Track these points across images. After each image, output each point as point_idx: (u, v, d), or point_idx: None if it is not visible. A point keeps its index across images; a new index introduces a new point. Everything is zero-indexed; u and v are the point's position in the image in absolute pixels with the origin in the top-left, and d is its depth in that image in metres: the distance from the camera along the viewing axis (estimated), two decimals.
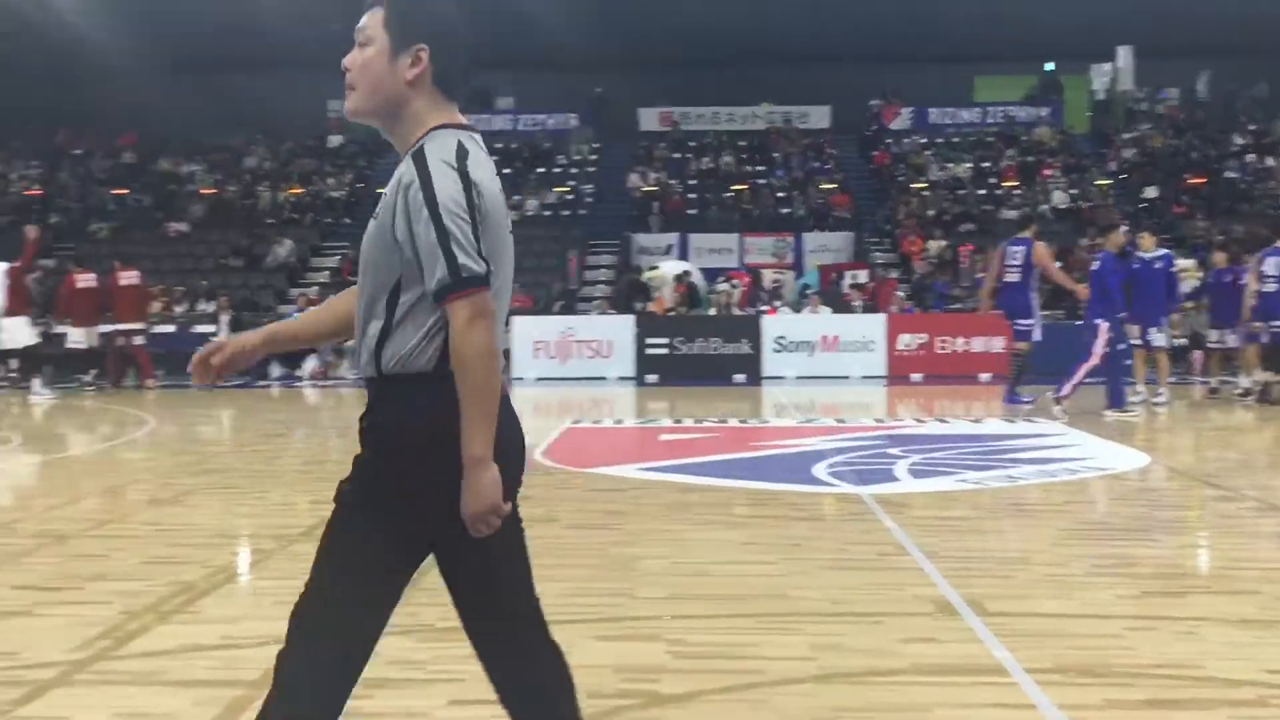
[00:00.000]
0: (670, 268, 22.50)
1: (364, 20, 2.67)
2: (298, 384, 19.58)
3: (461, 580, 2.71)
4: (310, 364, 20.03)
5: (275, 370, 20.27)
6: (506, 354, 21.38)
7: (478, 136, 2.71)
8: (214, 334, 20.94)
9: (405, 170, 2.57)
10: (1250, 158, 28.98)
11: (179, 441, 12.32)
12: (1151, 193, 27.80)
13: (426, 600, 5.30)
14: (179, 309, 22.50)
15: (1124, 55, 30.64)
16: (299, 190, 29.25)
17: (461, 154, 2.56)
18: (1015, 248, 14.17)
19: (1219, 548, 6.84)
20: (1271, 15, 29.19)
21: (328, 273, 26.31)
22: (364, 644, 2.64)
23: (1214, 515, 7.73)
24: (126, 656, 4.61)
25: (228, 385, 19.10)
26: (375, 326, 2.58)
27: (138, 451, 10.81)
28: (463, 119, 2.72)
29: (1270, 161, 28.75)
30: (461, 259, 2.45)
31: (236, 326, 20.98)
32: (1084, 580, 5.76)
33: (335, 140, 32.56)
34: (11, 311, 16.95)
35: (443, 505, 2.51)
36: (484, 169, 2.61)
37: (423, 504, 2.55)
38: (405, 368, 2.56)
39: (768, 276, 23.53)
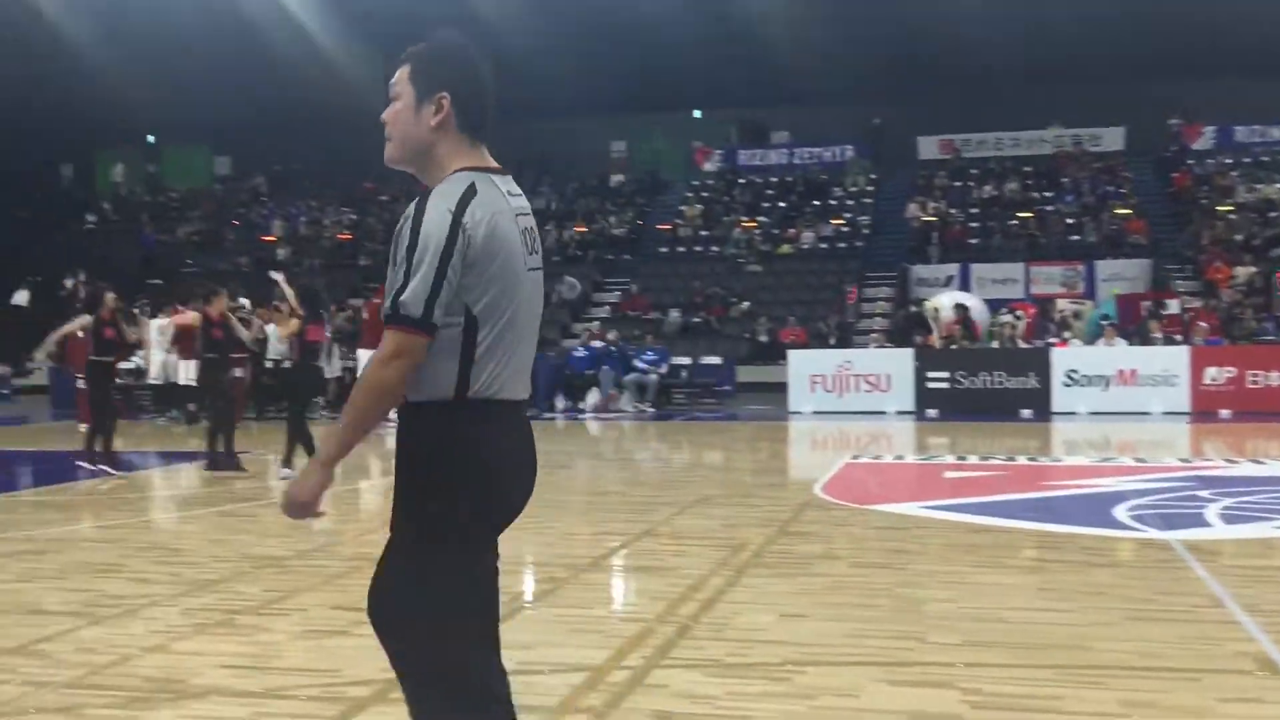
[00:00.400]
0: (947, 299, 21.91)
1: (395, 76, 2.83)
2: (581, 416, 20.21)
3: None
4: (593, 397, 20.65)
5: (560, 402, 21.01)
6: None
7: (498, 178, 2.79)
8: None
9: (412, 206, 2.69)
10: None
11: None
12: None
13: (709, 635, 5.35)
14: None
15: None
16: (583, 228, 30.33)
17: (466, 198, 2.66)
18: None
19: None
20: None
21: (608, 308, 27.12)
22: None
23: None
24: None
25: None
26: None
27: None
28: (489, 161, 2.83)
29: None
30: (407, 296, 2.58)
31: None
32: None
33: (617, 179, 33.60)
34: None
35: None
36: (491, 209, 2.69)
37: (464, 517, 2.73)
38: (429, 395, 2.69)
39: (1064, 307, 22.50)
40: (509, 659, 5.07)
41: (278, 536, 8.74)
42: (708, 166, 33.29)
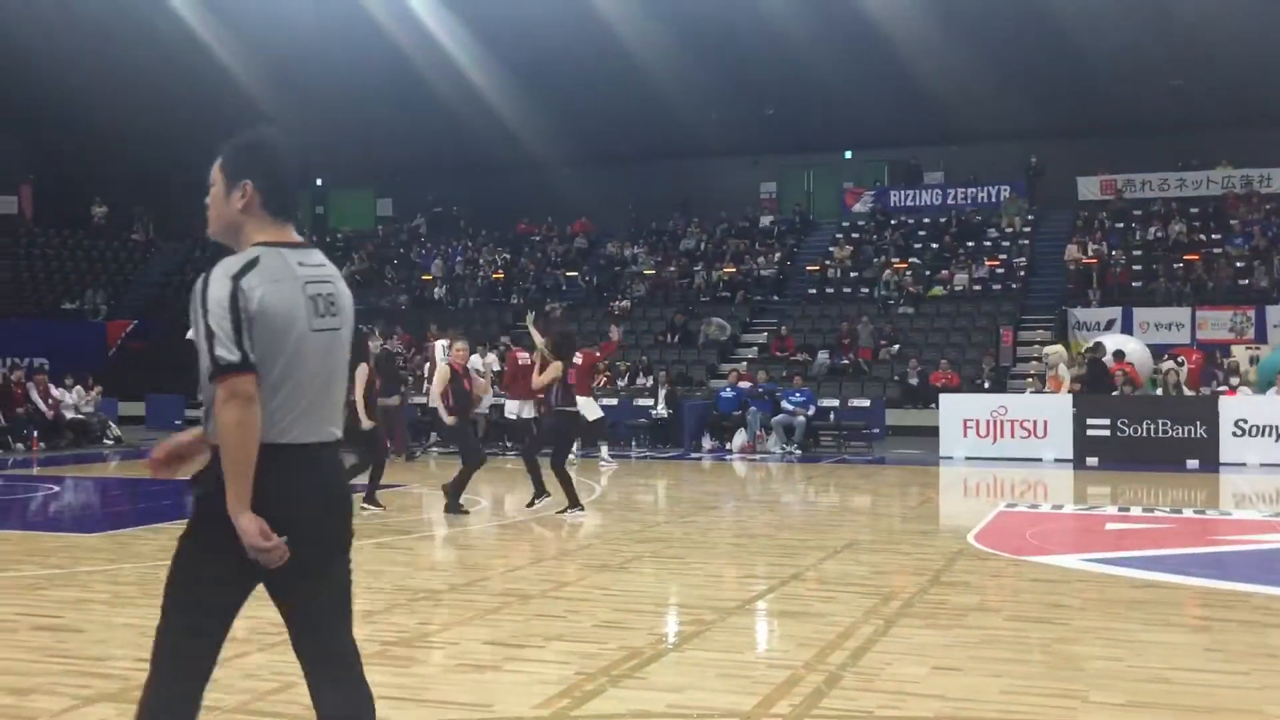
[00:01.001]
0: (1110, 342, 21.20)
1: (213, 168, 3.25)
2: (728, 457, 20.17)
3: (285, 612, 3.19)
4: (740, 438, 20.60)
5: (707, 443, 21.01)
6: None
7: (293, 251, 3.17)
8: (652, 406, 22.08)
9: (201, 277, 3.07)
10: None
11: (623, 509, 13.04)
12: None
13: (859, 685, 5.26)
14: (621, 383, 23.94)
15: None
16: (731, 269, 30.40)
17: (246, 268, 3.05)
18: None
19: None
20: None
21: (756, 349, 27.06)
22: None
23: None
24: (582, 717, 4.91)
25: (660, 456, 20.03)
26: (205, 404, 3.09)
27: (590, 517, 11.55)
28: (291, 236, 3.22)
29: None
30: (219, 351, 2.99)
31: (672, 400, 22.04)
32: None
33: (766, 220, 33.61)
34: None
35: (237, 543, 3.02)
36: (270, 277, 3.06)
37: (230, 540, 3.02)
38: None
39: (1241, 354, 21.55)
40: (659, 701, 5.12)
41: (430, 570, 8.96)
42: (858, 208, 33.02)
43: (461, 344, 12.90)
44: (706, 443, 21.01)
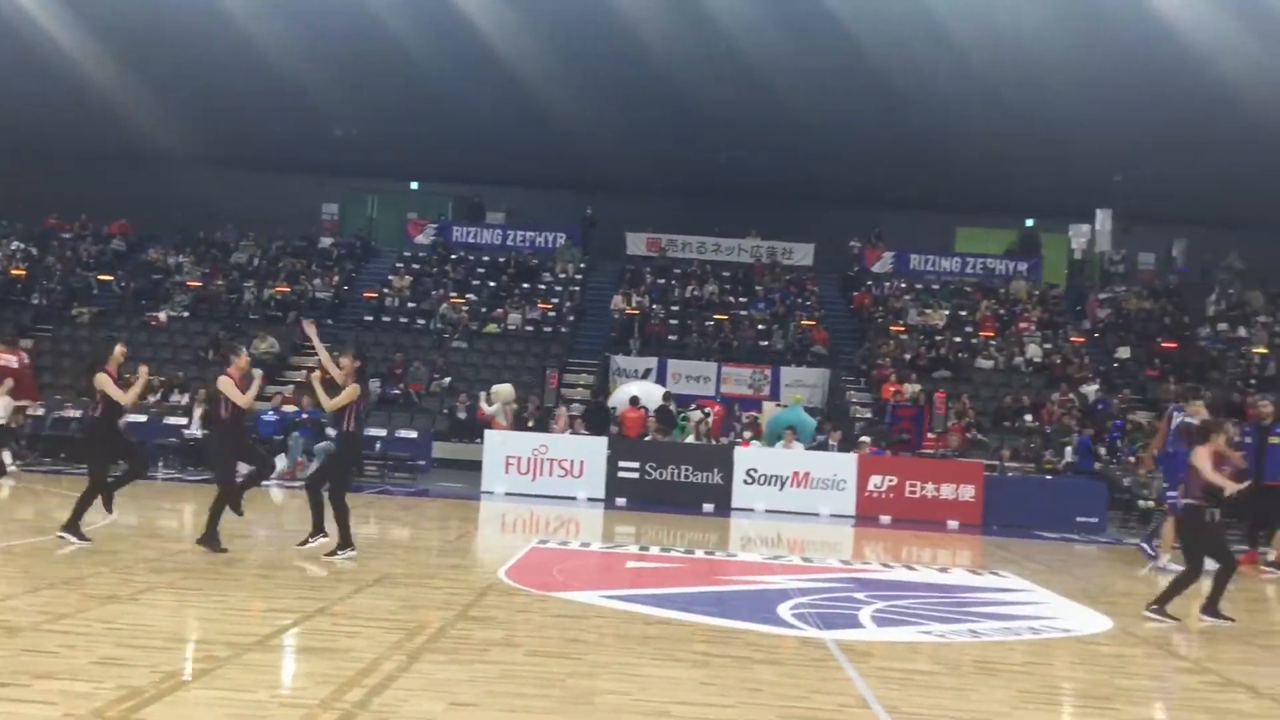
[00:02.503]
0: (633, 389, 22.76)
1: None
2: (265, 484, 19.35)
3: None
4: (280, 464, 19.85)
5: (243, 468, 20.05)
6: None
7: None
8: (185, 426, 20.81)
9: None
10: (1222, 326, 29.56)
11: (140, 535, 12.15)
12: (1124, 353, 28.26)
13: None
14: (152, 399, 22.38)
15: (1102, 218, 31.41)
16: (285, 289, 29.39)
17: None
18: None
19: None
20: (1247, 188, 30.13)
21: (304, 372, 26.27)
22: None
23: (1175, 688, 7.71)
24: None
25: (195, 480, 18.92)
26: None
27: (100, 541, 10.64)
28: None
29: (1242, 331, 29.31)
30: None
31: (207, 421, 20.88)
32: None
33: (326, 241, 32.88)
34: None
35: None
36: None
37: None
38: None
39: (768, 409, 23.61)
40: None
41: None
42: (420, 239, 33.12)
43: None
44: (243, 468, 20.02)
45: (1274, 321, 29.66)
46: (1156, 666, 8.37)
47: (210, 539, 10.70)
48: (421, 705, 5.68)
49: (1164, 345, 28.49)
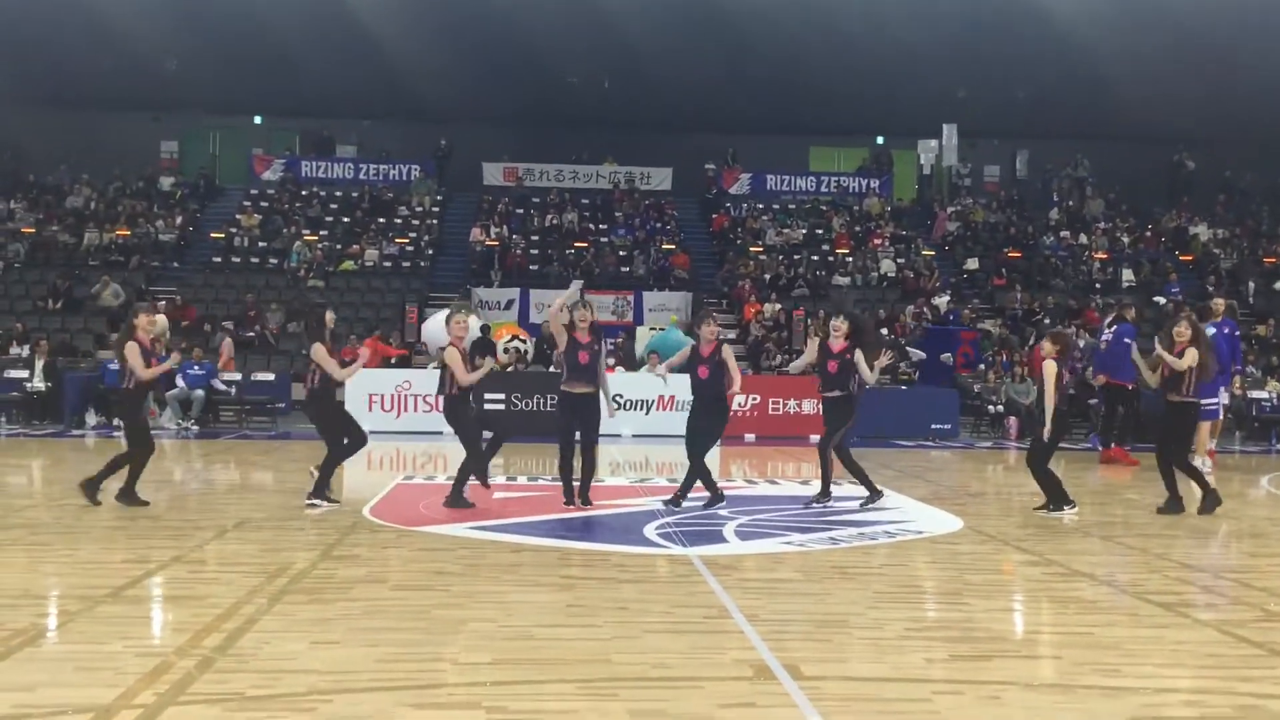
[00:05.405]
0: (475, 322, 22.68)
1: None
2: (116, 434, 18.74)
3: None
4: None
5: (91, 419, 19.41)
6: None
7: None
8: (27, 379, 19.97)
9: None
10: (1064, 234, 30.68)
11: None
12: (973, 264, 29.13)
13: (233, 667, 5.12)
14: None
15: (949, 133, 32.15)
16: (125, 232, 28.23)
17: None
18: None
19: (1024, 612, 7.16)
20: (1084, 101, 31.19)
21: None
22: None
23: (1021, 580, 8.08)
24: None
25: (40, 434, 18.22)
26: None
27: None
28: None
29: (1083, 239, 30.46)
30: None
31: (51, 372, 20.09)
32: (897, 644, 5.95)
33: (167, 182, 31.63)
34: None
35: None
36: None
37: None
38: None
39: (642, 335, 23.67)
40: (4, 702, 4.63)
41: None
42: (268, 175, 32.11)
43: None
44: (91, 418, 19.40)
45: (1114, 228, 30.89)
46: (1004, 561, 8.75)
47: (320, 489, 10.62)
48: (284, 646, 5.61)
49: (1010, 255, 29.46)
